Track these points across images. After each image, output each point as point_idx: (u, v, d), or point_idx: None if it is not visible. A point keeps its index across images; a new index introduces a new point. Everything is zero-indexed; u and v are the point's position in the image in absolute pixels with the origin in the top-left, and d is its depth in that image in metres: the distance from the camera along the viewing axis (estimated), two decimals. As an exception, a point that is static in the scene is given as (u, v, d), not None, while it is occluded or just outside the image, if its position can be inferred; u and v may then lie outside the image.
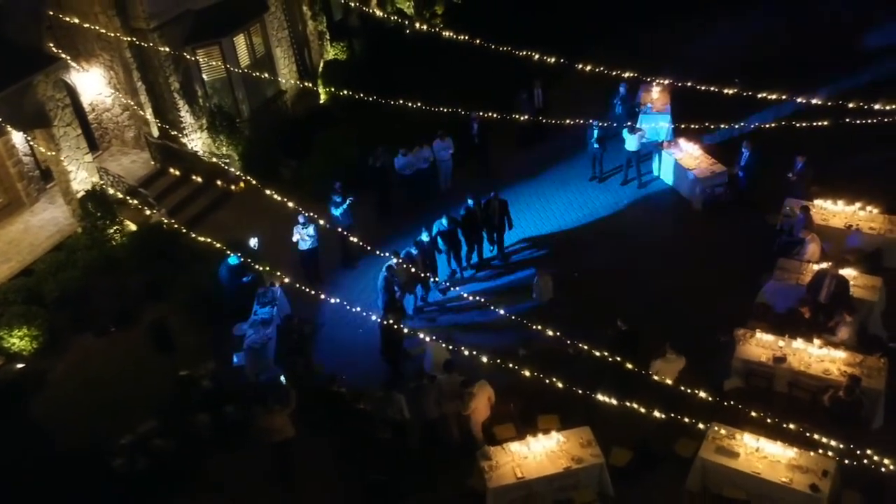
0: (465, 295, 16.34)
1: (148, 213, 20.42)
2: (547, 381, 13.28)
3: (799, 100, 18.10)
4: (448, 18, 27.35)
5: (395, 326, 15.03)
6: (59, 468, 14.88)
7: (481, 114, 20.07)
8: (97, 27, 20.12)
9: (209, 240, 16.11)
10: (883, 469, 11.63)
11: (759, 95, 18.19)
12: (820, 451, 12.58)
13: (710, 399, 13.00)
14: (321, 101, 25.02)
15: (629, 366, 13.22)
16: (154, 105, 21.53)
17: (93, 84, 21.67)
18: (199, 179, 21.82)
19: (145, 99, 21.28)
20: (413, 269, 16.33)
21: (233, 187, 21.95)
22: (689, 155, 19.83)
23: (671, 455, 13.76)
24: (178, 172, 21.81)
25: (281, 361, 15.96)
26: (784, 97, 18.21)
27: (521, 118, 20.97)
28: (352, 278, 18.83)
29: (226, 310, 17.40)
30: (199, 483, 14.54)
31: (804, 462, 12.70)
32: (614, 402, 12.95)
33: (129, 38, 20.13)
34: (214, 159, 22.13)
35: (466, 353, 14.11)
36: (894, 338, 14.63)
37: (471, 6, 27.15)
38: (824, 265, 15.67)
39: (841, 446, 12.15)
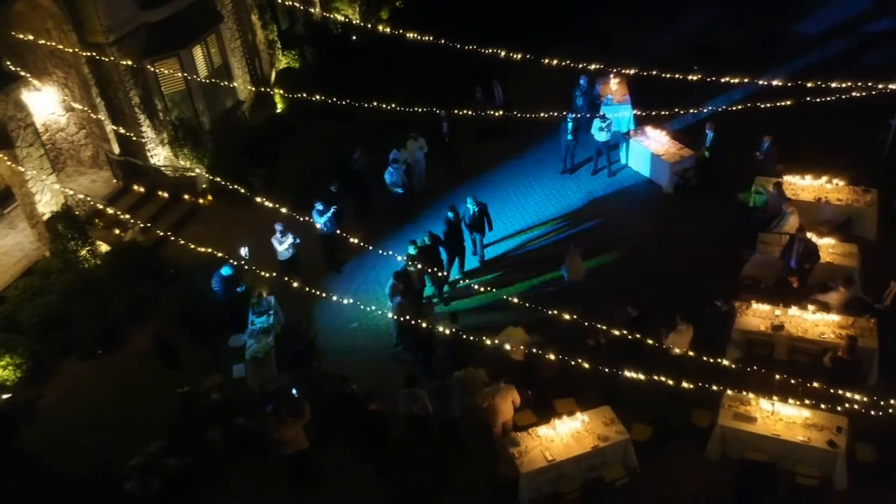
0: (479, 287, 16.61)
1: (118, 231, 20.00)
2: (571, 363, 13.56)
3: (761, 82, 18.94)
4: (394, 22, 27.44)
5: (416, 322, 15.03)
6: (66, 497, 14.37)
7: (455, 112, 20.20)
8: (52, 43, 19.47)
9: (209, 249, 15.78)
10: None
11: (724, 80, 18.88)
12: (829, 408, 13.19)
13: (732, 366, 13.45)
14: (278, 110, 24.84)
15: (649, 341, 13.63)
16: (114, 121, 20.95)
17: (45, 103, 20.92)
18: (166, 195, 21.32)
19: (105, 115, 20.69)
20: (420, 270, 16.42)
21: (201, 200, 21.55)
22: (657, 141, 20.51)
23: (689, 426, 14.22)
24: (142, 189, 21.25)
25: (288, 369, 15.74)
26: (745, 80, 18.99)
27: (486, 114, 21.30)
28: (338, 282, 18.71)
29: (220, 321, 17.07)
30: (219, 497, 14.25)
31: (818, 420, 13.35)
32: (638, 377, 13.25)
33: (88, 54, 19.56)
34: (179, 173, 21.80)
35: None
36: (878, 300, 15.44)
37: (419, 8, 27.32)
38: (799, 232, 16.46)
39: (850, 402, 12.78)
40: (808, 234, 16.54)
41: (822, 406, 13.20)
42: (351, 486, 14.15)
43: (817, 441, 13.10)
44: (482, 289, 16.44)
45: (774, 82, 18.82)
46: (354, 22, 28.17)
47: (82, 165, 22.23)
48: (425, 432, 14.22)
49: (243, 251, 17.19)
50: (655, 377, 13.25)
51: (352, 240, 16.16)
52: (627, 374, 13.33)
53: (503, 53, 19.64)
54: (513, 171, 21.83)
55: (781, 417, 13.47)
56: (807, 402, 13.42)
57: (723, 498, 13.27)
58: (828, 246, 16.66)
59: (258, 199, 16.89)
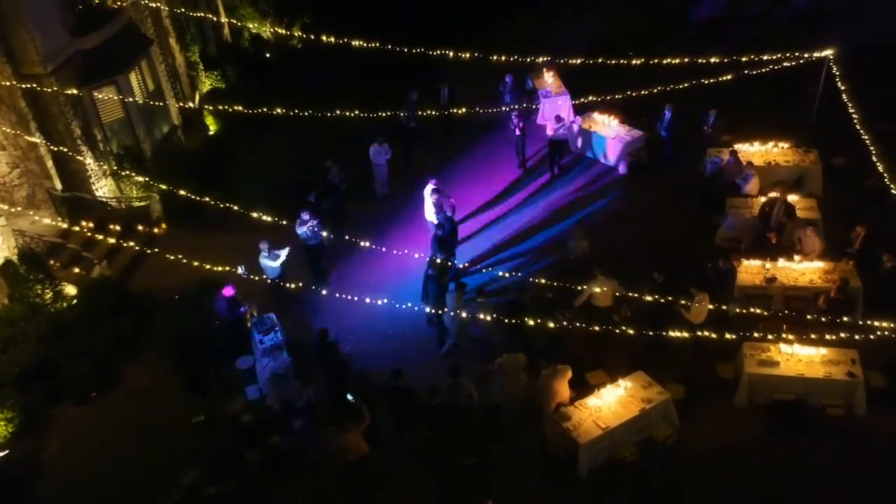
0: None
1: (78, 270, 18.96)
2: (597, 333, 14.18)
3: (700, 60, 20.29)
4: (315, 31, 27.27)
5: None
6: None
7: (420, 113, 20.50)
8: (-16, 80, 18.27)
9: (214, 266, 15.33)
10: None
11: (665, 62, 20.15)
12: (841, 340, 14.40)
13: (765, 313, 14.67)
14: (211, 132, 24.23)
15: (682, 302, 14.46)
16: (54, 156, 19.82)
17: (-30, 143, 19.53)
18: (118, 228, 20.36)
19: (45, 150, 19.55)
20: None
21: (155, 230, 20.72)
22: (606, 126, 21.49)
23: (714, 379, 15.11)
24: (91, 224, 20.19)
25: (329, 379, 15.47)
26: (679, 61, 20.28)
27: (423, 115, 21.70)
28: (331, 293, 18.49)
29: (222, 345, 16.53)
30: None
31: (833, 356, 14.54)
32: (675, 337, 14.00)
33: (25, 86, 18.45)
34: (127, 204, 20.92)
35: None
36: (849, 244, 16.94)
37: (333, 19, 27.30)
38: (773, 194, 17.81)
39: (859, 333, 14.02)
40: (773, 194, 17.93)
41: (836, 336, 14.28)
42: (407, 485, 14.10)
43: (838, 374, 14.27)
44: (506, 274, 16.67)
45: (713, 59, 20.19)
46: (266, 37, 27.92)
47: (15, 205, 20.81)
48: (470, 420, 14.35)
49: (240, 269, 16.73)
50: (682, 335, 14.13)
51: (362, 243, 16.04)
52: (663, 336, 14.09)
53: (447, 53, 20.21)
54: (469, 170, 22.18)
55: (801, 358, 14.57)
56: (825, 338, 14.51)
57: (761, 439, 14.20)
58: (793, 202, 18.08)
59: (255, 214, 16.38)
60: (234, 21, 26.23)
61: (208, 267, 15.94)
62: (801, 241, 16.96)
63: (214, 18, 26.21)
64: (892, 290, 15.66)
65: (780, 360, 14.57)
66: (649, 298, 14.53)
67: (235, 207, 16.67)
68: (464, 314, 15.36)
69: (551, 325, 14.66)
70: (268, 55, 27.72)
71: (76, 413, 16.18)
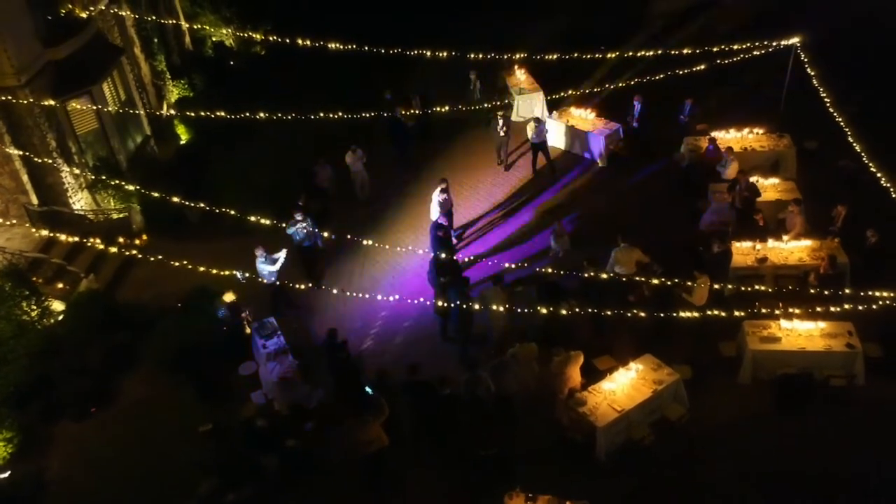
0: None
1: (61, 285, 18.51)
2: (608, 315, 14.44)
3: (673, 52, 20.79)
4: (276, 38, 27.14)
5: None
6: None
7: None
8: (-46, 92, 17.75)
9: (217, 270, 15.16)
10: None
11: (640, 55, 20.59)
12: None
13: (769, 290, 15.18)
14: (183, 141, 23.89)
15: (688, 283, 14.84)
16: (30, 170, 19.32)
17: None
18: (98, 241, 19.84)
19: (20, 165, 19.05)
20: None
21: (136, 242, 20.33)
22: (583, 119, 21.84)
23: (718, 358, 15.50)
24: (70, 238, 19.68)
25: (337, 378, 15.40)
26: (659, 53, 20.77)
27: (401, 115, 21.77)
28: (325, 295, 18.38)
29: (221, 353, 16.33)
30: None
31: (831, 329, 15.04)
32: (684, 317, 14.33)
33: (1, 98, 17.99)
34: (106, 216, 20.51)
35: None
36: (831, 223, 17.54)
37: (297, 25, 27.19)
38: (754, 179, 18.33)
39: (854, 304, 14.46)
40: (754, 178, 18.49)
41: (834, 309, 14.70)
42: (428, 478, 14.12)
43: (837, 346, 14.76)
44: (513, 265, 16.80)
45: (685, 51, 20.71)
46: (229, 45, 27.67)
47: (-11, 224, 20.23)
48: (488, 411, 14.45)
49: (239, 275, 16.55)
50: (691, 315, 14.50)
51: (365, 242, 16.02)
52: (667, 319, 14.41)
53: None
54: (450, 170, 22.21)
55: (801, 333, 15.03)
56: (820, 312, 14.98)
57: (767, 412, 14.61)
58: (773, 185, 18.71)
59: (252, 219, 16.20)
60: (198, 26, 25.86)
61: (203, 269, 15.62)
62: (787, 220, 17.51)
63: (183, 24, 25.81)
64: (877, 265, 16.27)
65: (781, 335, 15.01)
66: (656, 282, 14.83)
67: (233, 212, 16.36)
68: (501, 308, 15.34)
69: (563, 312, 14.81)
70: (232, 63, 27.44)
71: (76, 430, 15.80)
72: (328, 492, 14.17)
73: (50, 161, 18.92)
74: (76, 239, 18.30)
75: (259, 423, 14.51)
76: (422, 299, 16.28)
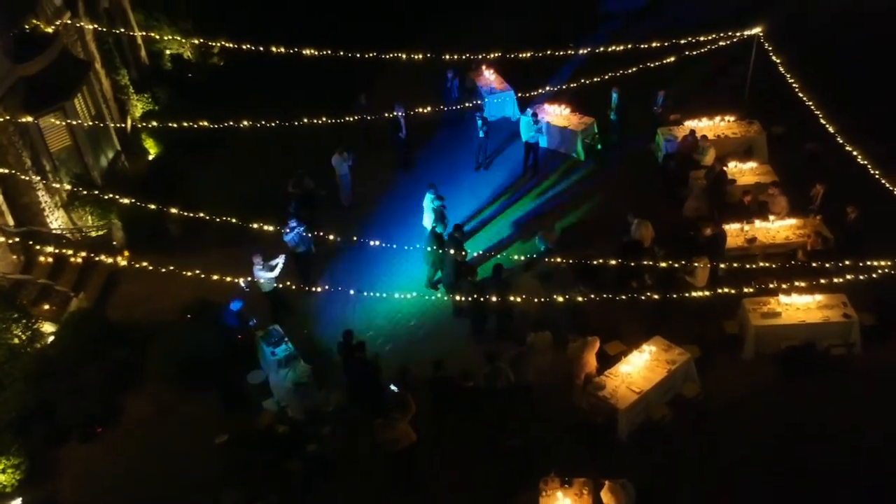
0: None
1: (48, 307, 17.99)
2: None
3: (643, 46, 21.32)
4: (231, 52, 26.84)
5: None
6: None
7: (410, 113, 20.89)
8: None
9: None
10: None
11: (611, 49, 21.10)
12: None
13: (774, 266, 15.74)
14: (152, 156, 23.44)
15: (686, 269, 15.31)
16: (4, 190, 18.71)
17: None
18: (79, 260, 19.38)
19: (-4, 185, 18.46)
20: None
21: (119, 259, 19.84)
22: (559, 115, 22.24)
23: (721, 336, 16.00)
24: (50, 259, 19.16)
25: (356, 380, 15.35)
26: (629, 47, 21.29)
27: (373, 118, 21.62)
28: (322, 301, 18.29)
29: (228, 362, 16.11)
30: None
31: (827, 301, 15.71)
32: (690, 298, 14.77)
33: (-26, 117, 17.41)
34: (85, 234, 20.01)
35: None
36: (811, 202, 18.30)
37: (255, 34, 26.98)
38: (732, 163, 19.03)
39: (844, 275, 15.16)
40: (732, 163, 19.21)
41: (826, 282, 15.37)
42: (456, 473, 14.21)
43: (834, 317, 15.44)
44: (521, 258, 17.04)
45: (654, 44, 21.31)
46: (187, 57, 27.28)
47: (-39, 248, 19.51)
48: (509, 401, 14.61)
49: (243, 283, 16.36)
50: (702, 294, 15.00)
51: (373, 243, 16.05)
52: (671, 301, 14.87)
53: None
54: (430, 173, 22.36)
55: (799, 306, 15.66)
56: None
57: (773, 385, 15.19)
58: (751, 169, 19.43)
59: (254, 224, 16.04)
60: (157, 35, 25.40)
61: (215, 277, 15.41)
62: (770, 201, 18.18)
63: (138, 37, 25.30)
64: (856, 239, 17.03)
65: (781, 310, 15.61)
66: (664, 265, 15.26)
67: (234, 220, 16.14)
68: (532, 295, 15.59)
69: (580, 298, 15.10)
70: (190, 75, 27.06)
71: (84, 451, 15.39)
72: (353, 494, 14.13)
73: (28, 178, 18.33)
74: (60, 251, 17.98)
75: (280, 430, 14.39)
76: (434, 296, 16.34)
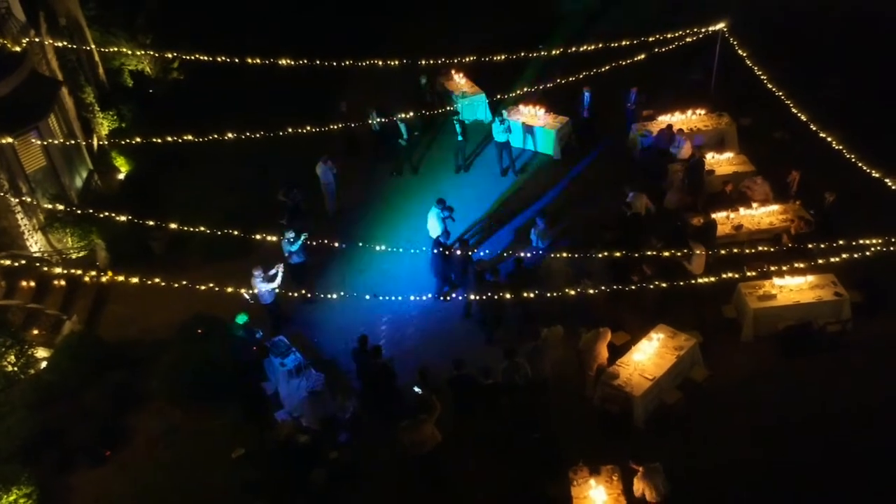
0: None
1: (37, 332, 17.54)
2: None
3: (614, 45, 21.87)
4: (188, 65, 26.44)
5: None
6: None
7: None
8: None
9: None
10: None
11: (582, 49, 21.58)
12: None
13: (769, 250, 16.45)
14: (122, 174, 22.98)
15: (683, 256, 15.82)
16: (-18, 214, 18.20)
17: None
18: (63, 282, 18.93)
19: (-27, 210, 17.92)
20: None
21: (103, 278, 19.42)
22: (534, 116, 22.59)
23: (720, 320, 16.52)
24: (32, 283, 18.65)
25: (372, 387, 15.33)
26: (600, 46, 21.79)
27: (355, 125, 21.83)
28: (321, 310, 18.19)
29: (237, 374, 15.95)
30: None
31: (818, 281, 16.35)
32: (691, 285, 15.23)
33: (-50, 140, 16.87)
34: (65, 256, 19.55)
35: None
36: (788, 187, 19.02)
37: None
38: (710, 154, 19.69)
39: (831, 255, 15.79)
40: (710, 154, 19.85)
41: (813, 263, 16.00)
42: (481, 470, 14.33)
43: (827, 296, 16.08)
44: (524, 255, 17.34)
45: (624, 42, 21.87)
46: (148, 73, 26.82)
47: (-63, 276, 18.84)
48: (527, 396, 14.81)
49: (246, 294, 16.21)
50: (704, 281, 15.48)
51: (379, 247, 16.08)
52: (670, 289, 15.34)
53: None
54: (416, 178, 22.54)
55: (792, 288, 16.27)
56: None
57: (777, 363, 15.74)
58: (728, 160, 20.09)
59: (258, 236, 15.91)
60: (114, 49, 24.88)
61: (201, 287, 15.20)
62: (752, 189, 18.83)
63: (95, 54, 24.76)
64: (836, 221, 17.78)
65: (776, 292, 16.19)
66: (667, 254, 15.69)
67: (236, 232, 16.01)
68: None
69: (591, 291, 15.42)
70: (151, 91, 26.60)
71: (95, 475, 15.03)
72: (378, 499, 14.16)
73: (9, 199, 17.85)
74: (48, 271, 17.59)
75: (302, 440, 14.29)
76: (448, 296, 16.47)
